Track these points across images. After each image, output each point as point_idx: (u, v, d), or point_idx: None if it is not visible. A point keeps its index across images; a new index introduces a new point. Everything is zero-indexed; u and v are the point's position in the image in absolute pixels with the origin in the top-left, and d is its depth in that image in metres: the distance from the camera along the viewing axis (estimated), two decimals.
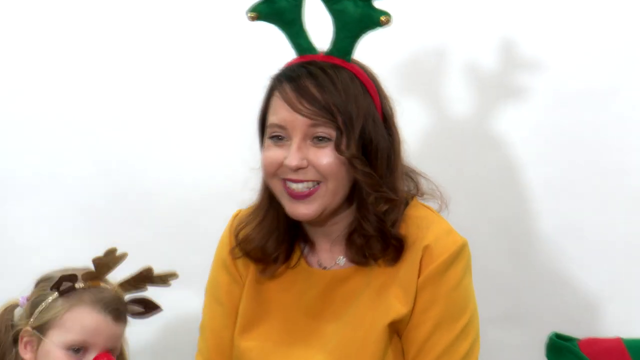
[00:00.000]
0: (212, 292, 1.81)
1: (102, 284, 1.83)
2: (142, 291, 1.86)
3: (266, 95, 1.69)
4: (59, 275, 1.79)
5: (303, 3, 1.67)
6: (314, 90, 1.62)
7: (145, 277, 1.83)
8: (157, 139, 2.32)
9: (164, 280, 1.84)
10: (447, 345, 1.65)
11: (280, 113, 1.64)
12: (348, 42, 1.66)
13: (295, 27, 1.68)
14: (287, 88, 1.64)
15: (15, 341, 1.82)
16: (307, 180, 1.65)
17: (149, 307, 1.87)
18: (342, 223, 1.71)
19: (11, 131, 2.32)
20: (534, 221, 2.25)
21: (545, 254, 2.25)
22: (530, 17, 2.22)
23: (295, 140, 1.63)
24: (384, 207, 1.66)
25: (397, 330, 1.68)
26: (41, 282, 1.85)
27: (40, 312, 1.79)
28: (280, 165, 1.65)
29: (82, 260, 1.82)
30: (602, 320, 2.24)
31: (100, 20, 2.30)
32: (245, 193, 1.77)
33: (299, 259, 1.75)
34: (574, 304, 2.25)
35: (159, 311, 1.89)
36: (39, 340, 1.79)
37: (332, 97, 1.62)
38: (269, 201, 1.73)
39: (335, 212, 1.69)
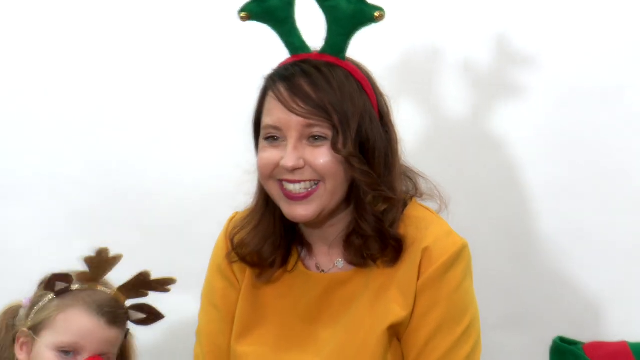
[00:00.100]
0: (208, 297, 1.80)
1: (100, 287, 1.82)
2: (143, 297, 1.84)
3: (260, 96, 1.68)
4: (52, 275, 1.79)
5: (294, 1, 1.66)
6: (308, 89, 1.61)
7: (142, 282, 1.81)
8: (156, 139, 2.32)
9: (162, 285, 1.82)
10: (447, 349, 1.64)
11: (275, 113, 1.63)
12: (341, 39, 1.65)
13: (287, 26, 1.67)
14: (281, 88, 1.63)
15: (14, 342, 1.82)
16: (304, 181, 1.63)
17: (151, 315, 1.85)
18: (340, 225, 1.70)
19: (11, 131, 2.33)
20: (535, 221, 2.25)
21: (547, 254, 2.24)
22: (531, 14, 2.21)
23: (291, 141, 1.62)
24: (382, 207, 1.65)
25: (396, 334, 1.66)
26: (43, 283, 1.83)
27: (36, 312, 1.79)
28: (277, 166, 1.64)
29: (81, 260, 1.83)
30: (606, 323, 2.23)
31: (101, 22, 2.31)
32: (245, 195, 1.76)
33: (296, 263, 1.74)
34: (576, 306, 2.24)
35: (161, 319, 1.87)
36: (34, 341, 1.78)
37: (327, 95, 1.61)
38: (265, 204, 1.72)
39: (333, 214, 1.68)
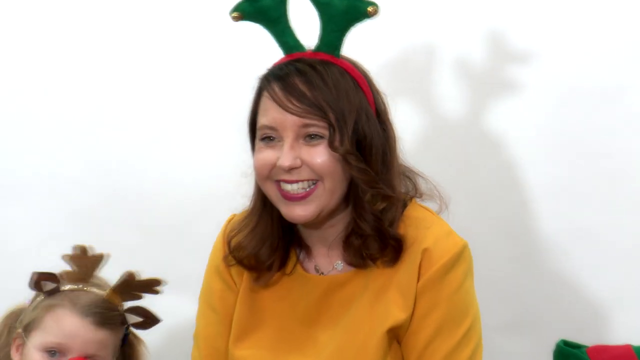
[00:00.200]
0: (206, 300, 1.79)
1: (91, 288, 1.80)
2: (138, 300, 1.82)
3: (255, 96, 1.67)
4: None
5: (287, 0, 1.65)
6: (302, 87, 1.60)
7: (128, 283, 1.79)
8: (156, 140, 2.32)
9: (148, 286, 1.80)
10: (448, 351, 1.63)
11: (270, 113, 1.62)
12: (336, 36, 1.64)
13: (280, 25, 1.66)
14: (276, 87, 1.62)
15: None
16: (302, 180, 1.62)
17: (147, 318, 1.83)
18: (338, 225, 1.69)
19: (11, 131, 2.34)
20: (535, 222, 2.24)
21: (548, 255, 2.24)
22: (531, 13, 2.21)
23: (287, 140, 1.61)
24: (380, 205, 1.63)
25: (396, 336, 1.65)
26: (30, 283, 1.82)
27: (28, 313, 1.79)
28: (273, 166, 1.63)
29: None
30: (609, 325, 2.22)
31: (100, 22, 2.31)
32: (243, 197, 1.75)
33: (294, 265, 1.73)
34: (579, 309, 2.23)
35: (157, 323, 1.85)
36: (25, 342, 1.77)
37: (322, 93, 1.60)
38: (262, 206, 1.71)
39: (331, 214, 1.67)
